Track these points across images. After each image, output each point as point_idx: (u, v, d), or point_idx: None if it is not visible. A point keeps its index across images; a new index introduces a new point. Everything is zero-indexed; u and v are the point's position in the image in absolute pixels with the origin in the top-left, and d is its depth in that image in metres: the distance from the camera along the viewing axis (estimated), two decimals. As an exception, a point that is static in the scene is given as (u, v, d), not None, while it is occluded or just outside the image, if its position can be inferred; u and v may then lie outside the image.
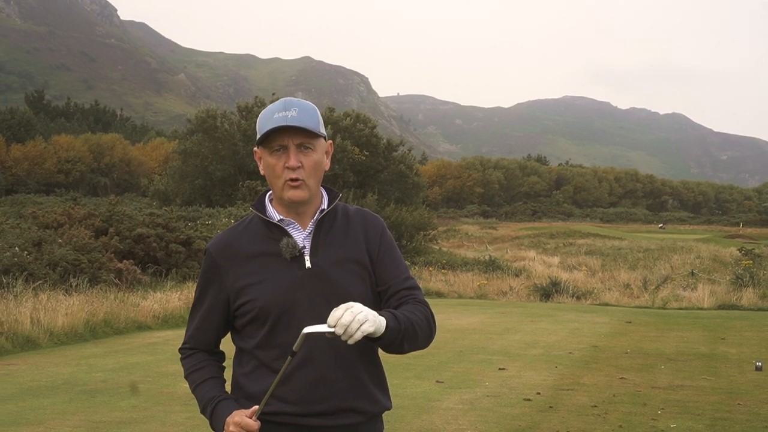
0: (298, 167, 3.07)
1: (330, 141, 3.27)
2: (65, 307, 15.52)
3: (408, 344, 3.06)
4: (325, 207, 3.22)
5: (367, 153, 43.60)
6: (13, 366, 12.18)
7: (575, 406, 9.73)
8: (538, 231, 75.37)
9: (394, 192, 44.51)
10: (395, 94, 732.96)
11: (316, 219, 3.18)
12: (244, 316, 3.14)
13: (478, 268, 35.09)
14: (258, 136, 3.11)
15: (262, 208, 3.21)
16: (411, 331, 3.05)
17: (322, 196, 3.25)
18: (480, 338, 15.99)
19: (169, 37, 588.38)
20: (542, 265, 39.82)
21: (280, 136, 3.06)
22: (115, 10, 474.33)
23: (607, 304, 25.16)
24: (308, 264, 3.11)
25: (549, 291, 27.51)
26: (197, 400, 3.25)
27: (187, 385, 3.32)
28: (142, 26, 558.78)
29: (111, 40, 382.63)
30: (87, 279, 20.42)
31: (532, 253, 49.03)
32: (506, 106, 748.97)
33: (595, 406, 9.66)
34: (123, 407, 9.47)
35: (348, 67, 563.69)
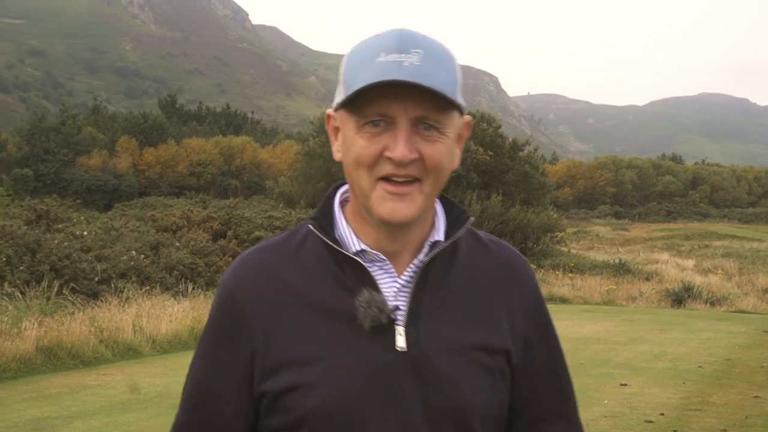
0: (413, 160, 1.68)
1: (468, 118, 1.84)
2: (169, 314, 15.20)
3: None
4: (441, 237, 1.82)
5: (492, 153, 42.83)
6: (108, 376, 11.85)
7: (702, 429, 8.84)
8: (673, 232, 73.31)
9: (519, 193, 43.53)
10: (526, 94, 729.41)
11: (424, 258, 1.80)
12: (277, 415, 1.77)
13: (607, 272, 33.87)
14: (342, 92, 1.73)
15: (328, 224, 1.81)
16: None
17: (435, 214, 1.86)
18: (603, 349, 15.06)
19: (299, 41, 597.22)
20: (676, 269, 38.30)
21: (385, 98, 1.65)
22: (247, 15, 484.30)
23: (743, 311, 23.81)
24: (401, 343, 1.73)
25: (681, 296, 26.18)
26: None
27: None
28: (274, 30, 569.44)
29: (243, 45, 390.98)
30: (204, 283, 20.31)
31: (665, 256, 47.37)
32: (640, 104, 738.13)
33: (725, 430, 8.74)
34: (210, 424, 8.94)
35: (477, 67, 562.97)
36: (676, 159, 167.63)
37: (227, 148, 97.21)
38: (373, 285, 1.73)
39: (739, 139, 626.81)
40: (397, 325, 1.73)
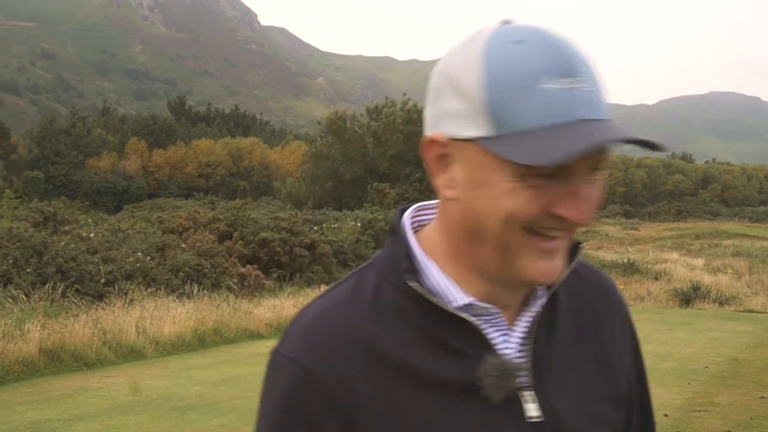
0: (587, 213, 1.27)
1: None
2: (173, 315, 15.19)
3: None
4: None
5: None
6: (111, 378, 11.83)
7: (706, 430, 8.76)
8: (683, 231, 72.98)
9: (525, 193, 43.53)
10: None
11: (541, 302, 1.40)
12: None
13: (615, 271, 33.67)
14: (483, 120, 1.24)
15: (410, 265, 1.36)
16: None
17: None
18: (608, 349, 14.97)
19: (308, 41, 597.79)
20: (685, 268, 38.10)
21: None
22: (256, 16, 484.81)
23: (752, 311, 23.68)
24: (534, 411, 1.34)
25: (689, 296, 26.04)
26: None
27: None
28: (282, 31, 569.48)
29: (252, 46, 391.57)
30: (210, 284, 20.32)
31: (674, 255, 47.15)
32: (650, 103, 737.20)
33: (729, 431, 8.64)
34: (211, 427, 8.92)
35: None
36: (686, 158, 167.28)
37: (236, 149, 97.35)
38: (488, 346, 1.33)
39: (750, 138, 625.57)
40: (524, 390, 1.35)
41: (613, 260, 38.54)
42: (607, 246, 59.83)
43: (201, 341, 15.15)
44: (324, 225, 29.35)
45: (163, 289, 18.14)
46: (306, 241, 25.37)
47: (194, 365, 13.03)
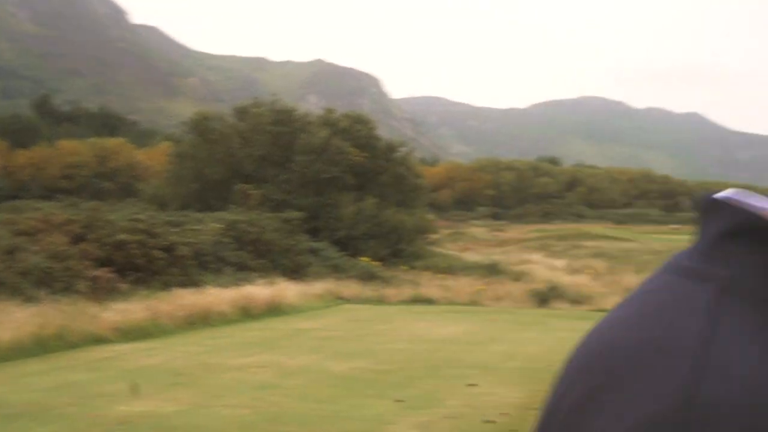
0: None
1: None
2: (13, 320, 14.65)
3: None
4: None
5: (367, 154, 42.89)
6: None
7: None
8: (548, 233, 74.44)
9: (394, 195, 43.66)
10: (408, 96, 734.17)
11: None
12: None
13: (478, 273, 34.11)
14: None
15: None
16: None
17: None
18: (458, 349, 15.09)
19: (180, 41, 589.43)
20: (546, 269, 38.85)
21: None
22: (127, 14, 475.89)
23: (603, 310, 24.19)
24: None
25: (546, 296, 26.54)
26: None
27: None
28: (154, 30, 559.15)
29: (122, 44, 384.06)
30: (61, 287, 19.72)
31: (537, 256, 48.08)
32: (522, 107, 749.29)
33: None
34: (36, 435, 8.59)
35: (360, 69, 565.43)
36: (553, 161, 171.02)
37: (102, 149, 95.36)
38: None
39: (618, 142, 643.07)
40: None
41: (477, 261, 39.06)
42: (474, 248, 60.62)
43: (42, 346, 14.63)
44: (185, 226, 28.82)
45: (9, 294, 17.51)
46: (164, 243, 24.91)
47: (31, 371, 12.58)
